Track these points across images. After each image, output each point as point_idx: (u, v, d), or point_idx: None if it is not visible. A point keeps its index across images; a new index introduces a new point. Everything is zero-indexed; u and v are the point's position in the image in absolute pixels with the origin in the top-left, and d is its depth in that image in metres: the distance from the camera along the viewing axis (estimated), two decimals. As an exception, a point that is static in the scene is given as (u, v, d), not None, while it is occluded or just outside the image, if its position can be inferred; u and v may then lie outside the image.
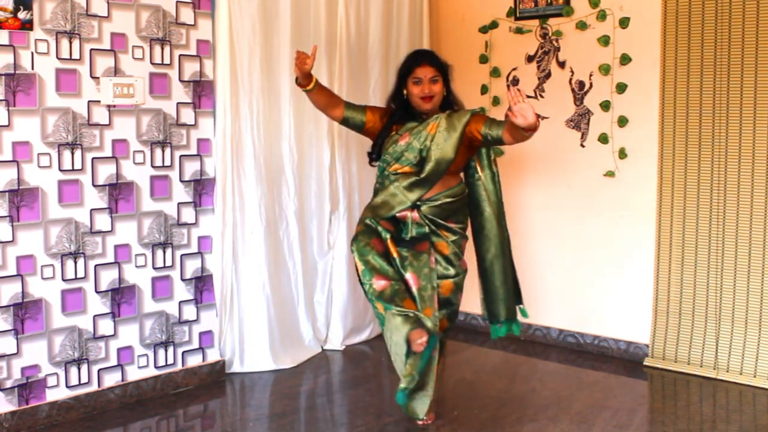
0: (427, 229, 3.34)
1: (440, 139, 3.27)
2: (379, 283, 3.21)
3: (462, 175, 3.48)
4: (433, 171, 3.28)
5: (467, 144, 3.31)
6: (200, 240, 3.89)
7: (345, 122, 3.50)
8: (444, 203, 3.33)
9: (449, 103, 3.45)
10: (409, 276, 3.26)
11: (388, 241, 3.29)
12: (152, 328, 3.72)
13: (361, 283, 3.29)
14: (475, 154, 3.44)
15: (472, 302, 4.99)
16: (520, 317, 3.68)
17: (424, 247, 3.33)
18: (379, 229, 3.32)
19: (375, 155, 3.45)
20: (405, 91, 3.40)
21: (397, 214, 3.34)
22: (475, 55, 4.82)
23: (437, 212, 3.33)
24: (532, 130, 2.95)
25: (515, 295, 3.63)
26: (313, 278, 4.45)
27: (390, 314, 3.17)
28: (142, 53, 3.58)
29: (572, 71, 4.44)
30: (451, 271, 3.37)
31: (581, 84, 4.40)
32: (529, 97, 4.63)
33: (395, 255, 3.27)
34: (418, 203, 3.33)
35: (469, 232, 3.53)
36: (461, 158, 3.33)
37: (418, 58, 3.42)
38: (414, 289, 3.24)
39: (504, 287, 3.55)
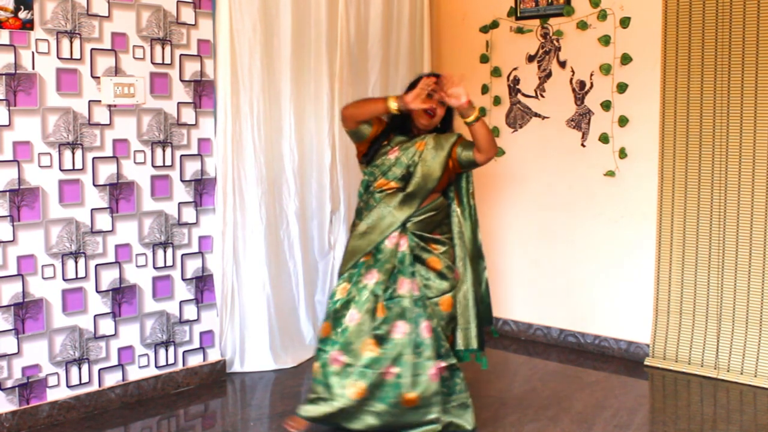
0: (411, 261, 3.26)
1: (428, 156, 3.26)
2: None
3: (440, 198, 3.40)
4: (419, 186, 3.25)
5: (450, 166, 3.29)
6: (201, 240, 3.89)
7: (355, 132, 3.36)
8: (427, 217, 3.29)
9: (442, 127, 3.40)
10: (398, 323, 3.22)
11: (378, 303, 3.23)
12: (153, 327, 3.72)
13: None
14: (452, 182, 3.39)
15: (472, 302, 5.00)
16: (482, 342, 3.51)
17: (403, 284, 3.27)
18: (364, 286, 3.26)
19: (368, 160, 3.36)
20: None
21: (388, 243, 3.26)
22: (475, 54, 4.82)
23: (422, 226, 3.29)
24: (465, 110, 3.10)
25: (479, 334, 3.42)
26: (314, 278, 4.45)
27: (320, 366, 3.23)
28: (142, 53, 3.58)
29: (573, 71, 4.44)
30: (446, 285, 3.29)
31: (582, 84, 4.40)
32: (529, 96, 4.63)
33: (380, 315, 3.21)
34: (405, 223, 3.25)
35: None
36: (444, 179, 3.30)
37: (435, 75, 3.40)
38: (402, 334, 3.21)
39: (463, 320, 3.39)
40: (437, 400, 3.17)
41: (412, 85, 3.30)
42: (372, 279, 3.23)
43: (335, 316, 3.24)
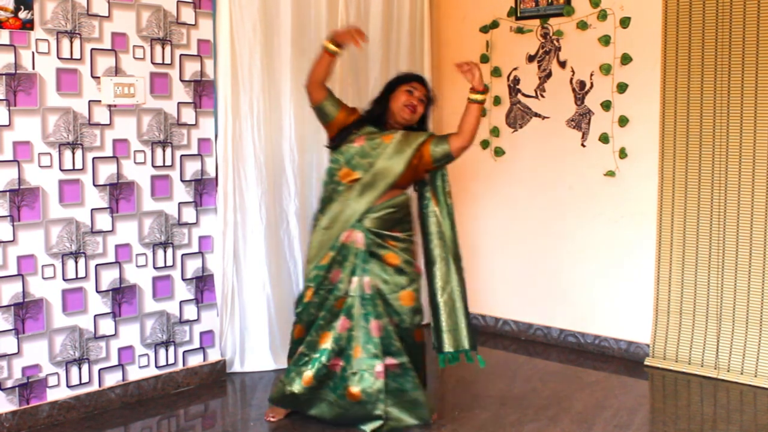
0: (366, 260, 3.30)
1: (391, 150, 3.29)
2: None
3: (406, 196, 3.41)
4: (377, 177, 3.27)
5: (416, 163, 3.31)
6: (201, 240, 3.89)
7: (319, 108, 3.44)
8: (386, 214, 3.31)
9: (413, 127, 3.45)
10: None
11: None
12: (153, 327, 3.72)
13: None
14: (428, 182, 3.42)
15: (473, 302, 4.99)
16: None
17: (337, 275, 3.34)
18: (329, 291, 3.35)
19: (334, 145, 3.41)
20: (388, 99, 3.41)
21: (343, 239, 3.30)
22: (476, 54, 4.82)
23: (380, 224, 3.31)
24: (479, 91, 3.26)
25: (469, 333, 3.42)
26: (314, 278, 4.45)
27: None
28: (142, 53, 3.58)
29: (573, 71, 4.44)
30: (404, 280, 3.32)
31: (582, 84, 4.40)
32: (529, 96, 4.63)
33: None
34: (361, 218, 3.29)
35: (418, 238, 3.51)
36: (407, 175, 3.32)
37: (420, 76, 3.53)
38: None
39: (451, 321, 3.41)
40: (382, 398, 3.25)
41: (401, 80, 3.43)
42: (337, 278, 3.32)
43: (308, 319, 3.38)
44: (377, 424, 3.27)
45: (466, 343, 3.39)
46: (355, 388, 3.25)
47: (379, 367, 3.25)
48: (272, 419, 3.42)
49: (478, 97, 3.26)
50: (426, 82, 3.50)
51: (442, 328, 3.38)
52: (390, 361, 3.27)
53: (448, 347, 3.38)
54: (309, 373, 3.28)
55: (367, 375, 3.24)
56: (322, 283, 3.35)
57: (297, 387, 3.31)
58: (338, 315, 3.29)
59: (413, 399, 3.31)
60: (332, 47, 3.35)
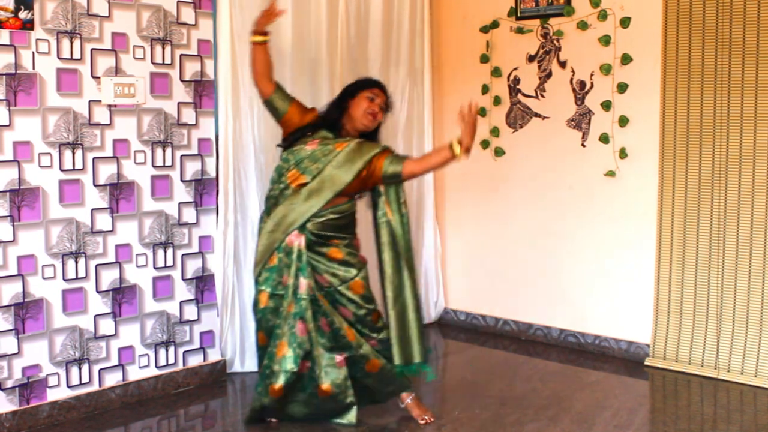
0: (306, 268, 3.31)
1: (342, 159, 3.27)
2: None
3: (352, 204, 3.40)
4: (323, 184, 3.26)
5: (365, 175, 3.28)
6: (201, 240, 3.89)
7: (269, 102, 3.44)
8: (329, 219, 3.30)
9: (368, 136, 3.44)
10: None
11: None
12: (153, 327, 3.72)
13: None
14: (382, 191, 3.36)
15: (473, 302, 5.00)
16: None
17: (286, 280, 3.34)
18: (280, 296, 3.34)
19: (285, 145, 3.40)
20: (347, 103, 3.38)
21: (287, 241, 3.29)
22: (476, 54, 4.82)
23: (322, 228, 3.31)
24: (467, 143, 3.25)
25: (420, 346, 3.40)
26: (314, 278, 4.45)
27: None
28: (143, 53, 3.58)
29: (573, 71, 4.44)
30: (353, 271, 3.33)
31: (582, 84, 4.40)
32: (530, 96, 4.63)
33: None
34: (305, 222, 3.28)
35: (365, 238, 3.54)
36: (355, 185, 3.30)
37: (380, 82, 3.49)
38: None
39: (402, 334, 3.39)
40: (348, 384, 3.32)
41: (361, 85, 3.42)
42: (287, 282, 3.31)
43: (267, 326, 3.37)
44: (354, 412, 3.35)
45: (417, 356, 3.37)
46: (325, 384, 3.30)
47: (338, 357, 3.31)
48: (273, 420, 3.43)
49: (458, 151, 3.23)
50: (386, 89, 3.46)
51: (393, 340, 3.37)
52: (338, 357, 3.33)
53: (398, 360, 3.36)
54: (277, 385, 3.27)
55: (331, 369, 3.30)
56: (275, 288, 3.33)
57: (267, 399, 3.32)
58: (294, 319, 3.28)
59: (363, 386, 3.40)
60: (257, 38, 3.39)
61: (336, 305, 3.32)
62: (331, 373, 3.31)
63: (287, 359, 3.27)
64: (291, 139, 3.39)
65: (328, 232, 3.32)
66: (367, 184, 3.34)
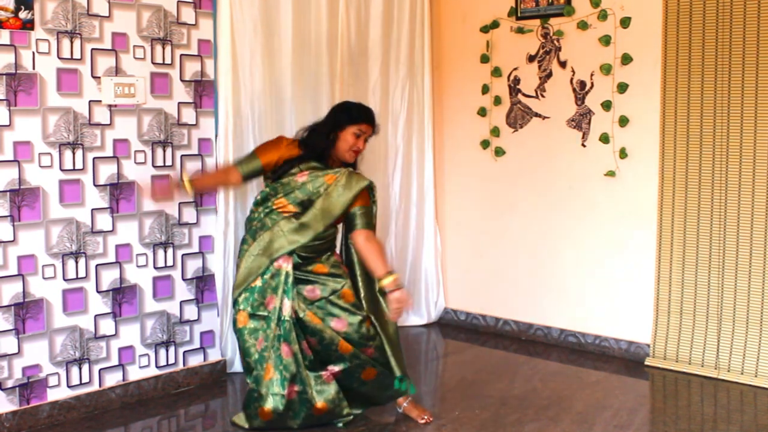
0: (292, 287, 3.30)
1: (334, 193, 3.27)
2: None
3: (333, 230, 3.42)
4: (315, 218, 3.26)
5: (349, 209, 3.30)
6: (201, 240, 3.89)
7: (248, 179, 3.43)
8: (314, 245, 3.30)
9: (353, 165, 3.45)
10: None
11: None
12: (153, 327, 3.72)
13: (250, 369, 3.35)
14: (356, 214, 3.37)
15: (473, 302, 5.00)
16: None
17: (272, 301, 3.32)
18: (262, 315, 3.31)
19: (275, 177, 3.36)
20: (334, 135, 3.35)
21: (276, 265, 3.27)
22: (476, 54, 4.82)
23: (308, 251, 3.30)
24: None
25: (398, 363, 3.43)
26: (314, 278, 4.45)
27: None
28: (143, 53, 3.58)
29: (573, 71, 4.44)
30: (341, 281, 3.33)
31: (582, 84, 4.40)
32: (530, 96, 4.63)
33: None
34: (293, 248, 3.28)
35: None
36: (341, 218, 3.33)
37: (369, 114, 3.41)
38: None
39: (390, 345, 3.43)
40: (341, 397, 3.31)
41: (351, 118, 3.35)
42: (272, 305, 3.28)
43: (245, 346, 3.33)
44: (348, 418, 3.37)
45: (397, 372, 3.40)
46: (319, 403, 3.29)
47: (325, 373, 3.30)
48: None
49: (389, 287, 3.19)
50: (374, 119, 3.41)
51: (388, 353, 3.40)
52: (333, 368, 3.31)
53: (397, 371, 3.40)
54: (266, 407, 3.26)
55: (321, 386, 3.29)
56: (257, 308, 3.29)
57: (258, 422, 3.31)
58: (278, 342, 3.26)
59: (362, 393, 3.39)
60: (188, 188, 3.32)
61: (329, 318, 3.28)
62: (323, 391, 3.29)
63: (274, 382, 3.24)
64: (279, 172, 3.34)
65: (312, 254, 3.33)
66: (348, 213, 3.34)
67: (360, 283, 3.42)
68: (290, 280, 3.27)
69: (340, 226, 3.45)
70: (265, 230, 3.31)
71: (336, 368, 3.31)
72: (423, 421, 3.41)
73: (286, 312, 3.26)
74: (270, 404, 3.25)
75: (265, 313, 3.28)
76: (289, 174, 3.32)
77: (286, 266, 3.28)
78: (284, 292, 3.27)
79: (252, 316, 3.30)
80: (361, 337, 3.30)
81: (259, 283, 3.29)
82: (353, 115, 3.37)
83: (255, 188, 4.01)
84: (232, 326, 3.43)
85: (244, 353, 3.33)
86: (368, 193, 3.35)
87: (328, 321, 3.28)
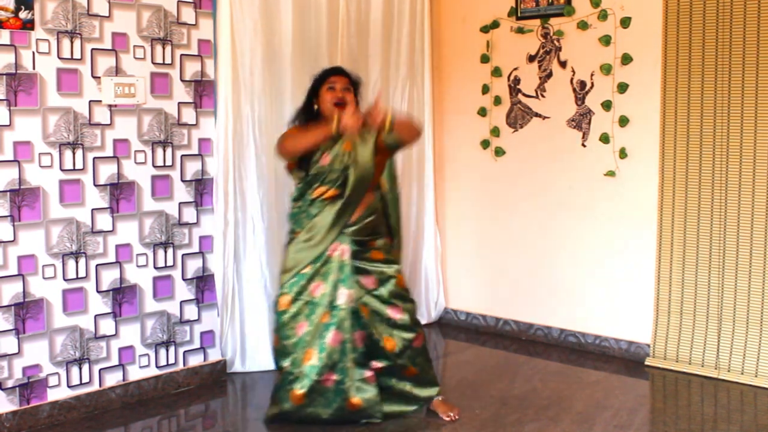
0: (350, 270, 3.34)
1: (357, 156, 3.30)
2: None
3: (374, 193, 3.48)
4: (355, 190, 3.30)
5: (379, 157, 3.34)
6: (201, 240, 3.89)
7: (291, 172, 3.50)
8: (366, 223, 3.36)
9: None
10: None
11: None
12: (153, 327, 3.72)
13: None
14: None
15: (473, 302, 5.00)
16: None
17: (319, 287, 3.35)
18: (307, 301, 3.34)
19: (307, 171, 3.38)
20: (316, 104, 3.42)
21: (329, 252, 3.32)
22: (476, 54, 4.82)
23: (361, 233, 3.35)
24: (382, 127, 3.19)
25: None
26: (314, 278, 4.45)
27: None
28: (143, 53, 3.58)
29: (573, 71, 4.44)
30: (394, 267, 3.41)
31: (582, 84, 4.40)
32: (530, 96, 4.63)
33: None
34: (343, 231, 3.33)
35: None
36: (378, 172, 3.37)
37: (333, 68, 3.51)
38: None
39: None
40: (379, 400, 3.33)
41: (318, 80, 3.43)
42: (319, 292, 3.31)
43: (284, 331, 3.34)
44: (376, 420, 3.36)
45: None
46: (355, 399, 3.30)
47: (368, 372, 3.31)
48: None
49: (386, 131, 3.19)
50: (343, 70, 3.48)
51: None
52: (376, 364, 3.34)
53: None
54: (299, 391, 3.28)
55: (362, 384, 3.30)
56: (300, 293, 3.33)
57: (288, 405, 3.31)
58: (327, 329, 3.28)
59: (400, 391, 3.40)
60: (336, 131, 3.21)
61: (385, 307, 3.34)
62: (363, 389, 3.30)
63: (313, 367, 3.26)
64: (305, 166, 3.38)
65: (367, 237, 3.36)
66: (383, 166, 3.41)
67: None
68: (347, 269, 3.31)
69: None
70: (311, 218, 3.34)
71: (379, 364, 3.33)
72: (448, 419, 3.42)
73: (342, 300, 3.29)
74: (305, 388, 3.26)
75: (309, 299, 3.31)
76: (314, 163, 3.34)
77: (342, 255, 3.32)
78: (340, 281, 3.30)
79: (295, 300, 3.32)
80: (415, 323, 3.40)
81: (309, 270, 3.32)
82: (318, 76, 3.48)
83: (256, 188, 4.01)
84: (273, 308, 3.44)
85: (282, 336, 3.34)
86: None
87: (384, 310, 3.34)
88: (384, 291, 3.36)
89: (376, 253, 3.39)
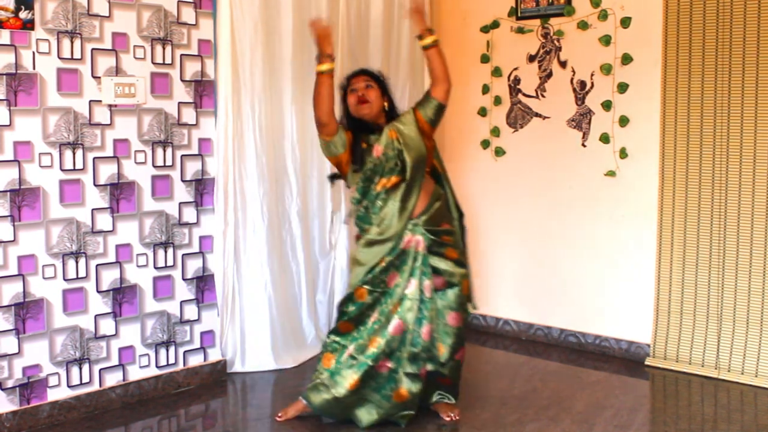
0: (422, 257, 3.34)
1: (407, 139, 3.34)
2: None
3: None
4: (414, 172, 3.32)
5: (424, 133, 3.39)
6: (201, 240, 3.89)
7: (329, 144, 3.40)
8: (435, 210, 3.39)
9: (393, 115, 3.47)
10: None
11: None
12: (153, 327, 3.72)
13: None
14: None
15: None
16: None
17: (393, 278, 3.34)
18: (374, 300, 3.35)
19: (360, 166, 3.39)
20: (347, 106, 3.47)
21: (403, 244, 3.32)
22: (476, 54, 4.82)
23: (432, 221, 3.37)
24: (423, 31, 3.30)
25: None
26: (315, 278, 4.45)
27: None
28: (143, 53, 3.58)
29: (573, 71, 4.44)
30: (464, 270, 3.42)
31: (582, 84, 4.40)
32: (530, 96, 4.63)
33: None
34: (414, 221, 3.34)
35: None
36: (429, 153, 3.41)
37: (353, 73, 3.53)
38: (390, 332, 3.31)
39: None
40: (417, 398, 3.35)
41: (343, 89, 3.48)
42: (394, 282, 3.33)
43: (358, 320, 3.34)
44: (404, 421, 3.38)
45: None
46: (404, 389, 3.30)
47: (422, 369, 3.33)
48: (280, 418, 3.43)
49: (427, 41, 3.29)
50: (364, 70, 3.50)
51: None
52: (427, 367, 3.35)
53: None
54: (355, 376, 3.27)
55: (413, 378, 3.31)
56: (375, 284, 3.33)
57: (341, 390, 3.29)
58: (392, 318, 3.30)
59: (427, 396, 3.45)
60: (325, 67, 3.28)
61: (446, 311, 3.34)
62: (412, 381, 3.30)
63: (372, 352, 3.26)
64: (359, 161, 3.38)
65: (438, 225, 3.37)
66: (430, 148, 3.44)
67: None
68: (419, 259, 3.32)
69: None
70: (378, 211, 3.35)
71: (428, 367, 3.34)
72: (449, 419, 3.42)
73: (410, 290, 3.30)
74: (359, 373, 3.27)
75: (384, 289, 3.32)
76: (367, 156, 3.36)
77: (415, 245, 3.33)
78: (411, 272, 3.31)
79: (371, 292, 3.33)
80: (464, 335, 3.41)
81: (384, 263, 3.32)
82: (341, 84, 3.51)
83: (256, 188, 4.00)
84: (346, 299, 3.39)
85: (351, 322, 3.32)
86: (415, 110, 3.42)
87: (444, 314, 3.34)
88: (451, 294, 3.36)
89: (451, 251, 3.39)
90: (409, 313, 3.29)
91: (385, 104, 3.44)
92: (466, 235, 3.62)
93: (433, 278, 3.35)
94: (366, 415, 3.32)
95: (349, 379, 3.28)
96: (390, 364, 3.29)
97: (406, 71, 4.77)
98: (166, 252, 3.74)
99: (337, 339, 3.34)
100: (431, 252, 3.35)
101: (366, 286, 3.34)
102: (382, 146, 3.35)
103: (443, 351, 3.36)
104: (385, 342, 3.28)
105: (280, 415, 3.44)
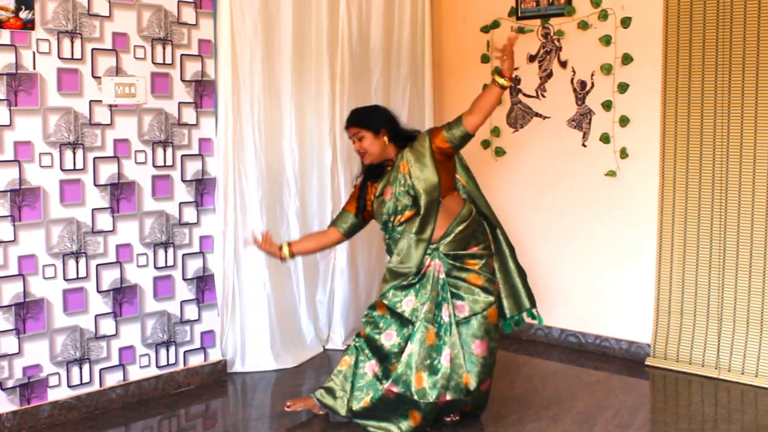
0: (444, 284, 3.30)
1: (417, 172, 3.27)
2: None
3: (461, 196, 3.43)
4: (428, 203, 3.26)
5: (443, 160, 3.29)
6: (202, 240, 3.89)
7: (350, 234, 3.50)
8: (458, 233, 3.29)
9: (404, 140, 3.40)
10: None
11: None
12: (154, 327, 3.72)
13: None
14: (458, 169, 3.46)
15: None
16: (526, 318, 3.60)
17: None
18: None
19: (364, 209, 3.45)
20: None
21: (422, 269, 3.29)
22: (476, 54, 4.82)
23: (455, 245, 3.30)
24: (507, 69, 3.16)
25: (527, 292, 3.54)
26: (315, 278, 4.45)
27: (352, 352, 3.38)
28: (143, 53, 3.58)
29: (574, 71, 4.44)
30: (491, 298, 3.29)
31: (583, 84, 4.40)
32: (530, 96, 4.63)
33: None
34: (434, 245, 3.29)
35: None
36: (446, 177, 3.30)
37: (347, 119, 3.44)
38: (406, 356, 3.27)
39: (508, 287, 3.51)
40: (431, 424, 3.31)
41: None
42: (409, 306, 3.29)
43: (373, 332, 3.33)
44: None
45: (526, 303, 3.49)
46: (417, 414, 3.22)
47: (441, 398, 3.22)
48: (288, 408, 3.45)
49: (503, 81, 3.15)
50: (350, 119, 3.39)
51: (502, 294, 3.45)
52: (448, 396, 3.23)
53: (509, 311, 3.46)
54: (367, 398, 3.29)
55: (432, 407, 3.23)
56: (394, 303, 3.31)
57: (356, 405, 3.31)
58: (407, 342, 3.27)
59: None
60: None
61: (471, 340, 3.24)
62: (427, 410, 3.22)
63: (431, 390, 3.20)
64: (361, 205, 3.45)
65: (462, 249, 3.30)
66: (449, 168, 3.35)
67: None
68: (438, 286, 3.28)
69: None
70: (396, 242, 3.33)
71: (448, 397, 3.23)
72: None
73: (446, 316, 3.25)
74: (370, 396, 3.28)
75: (400, 310, 3.29)
76: (379, 204, 3.36)
77: (434, 269, 3.29)
78: (428, 296, 3.26)
79: (389, 310, 3.32)
80: (492, 366, 3.32)
81: (405, 283, 3.31)
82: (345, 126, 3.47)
83: (256, 188, 4.00)
84: (372, 306, 3.41)
85: (369, 331, 3.34)
86: (434, 131, 3.32)
87: (469, 343, 3.24)
88: (474, 322, 3.25)
89: (474, 277, 3.29)
90: (422, 337, 3.24)
91: (386, 139, 3.35)
92: (507, 246, 3.50)
93: (455, 303, 3.27)
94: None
95: (365, 399, 3.30)
96: (396, 389, 3.23)
97: (407, 71, 4.77)
98: (166, 252, 3.74)
99: (358, 343, 3.36)
100: (451, 276, 3.28)
101: (385, 302, 3.34)
102: (392, 188, 3.32)
103: (470, 381, 3.22)
104: (441, 375, 3.21)
105: (288, 404, 3.45)
